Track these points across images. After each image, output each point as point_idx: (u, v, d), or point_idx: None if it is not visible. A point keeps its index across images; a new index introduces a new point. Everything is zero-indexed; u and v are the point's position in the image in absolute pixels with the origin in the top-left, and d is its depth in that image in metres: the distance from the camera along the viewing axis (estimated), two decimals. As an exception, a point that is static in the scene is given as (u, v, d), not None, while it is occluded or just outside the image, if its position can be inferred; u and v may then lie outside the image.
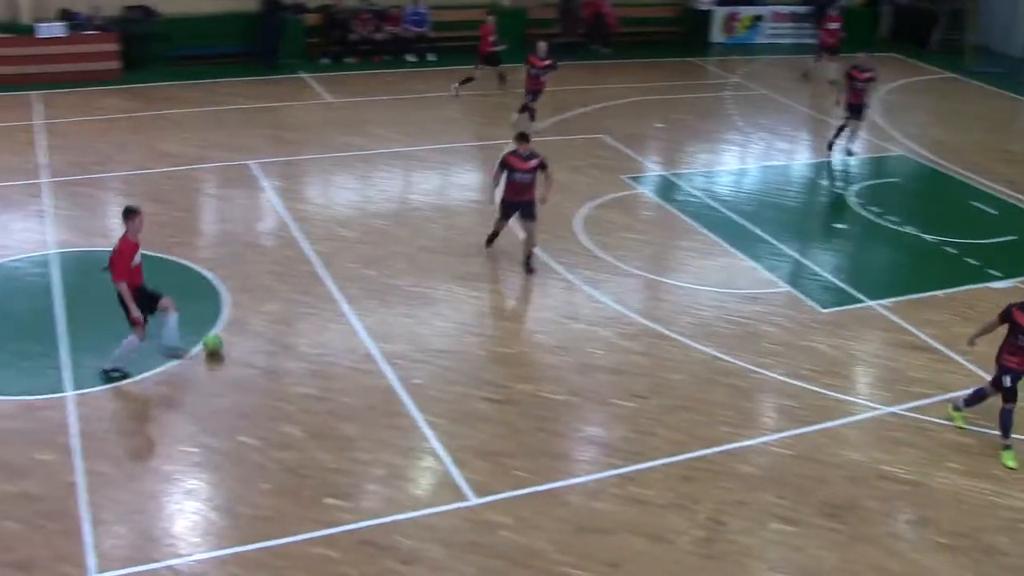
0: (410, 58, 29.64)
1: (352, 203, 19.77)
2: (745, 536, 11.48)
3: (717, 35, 34.18)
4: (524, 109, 24.04)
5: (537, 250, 17.39)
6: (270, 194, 19.74)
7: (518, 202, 16.88)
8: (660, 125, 25.05)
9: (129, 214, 13.14)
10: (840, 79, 25.61)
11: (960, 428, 13.80)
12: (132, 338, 13.29)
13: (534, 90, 23.91)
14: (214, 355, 14.08)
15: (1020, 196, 22.49)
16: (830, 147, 24.11)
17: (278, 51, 28.25)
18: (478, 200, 19.80)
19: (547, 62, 23.78)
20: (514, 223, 17.38)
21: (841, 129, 24.10)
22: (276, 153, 21.92)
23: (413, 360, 14.36)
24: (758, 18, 34.99)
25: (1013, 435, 13.28)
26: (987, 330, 13.75)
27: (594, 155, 22.72)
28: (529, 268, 17.03)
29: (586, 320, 15.85)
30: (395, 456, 12.35)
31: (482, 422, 13.14)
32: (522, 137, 16.76)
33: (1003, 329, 13.43)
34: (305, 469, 12.01)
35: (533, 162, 16.65)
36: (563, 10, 32.44)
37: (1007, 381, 13.25)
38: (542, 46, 23.92)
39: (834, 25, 30.28)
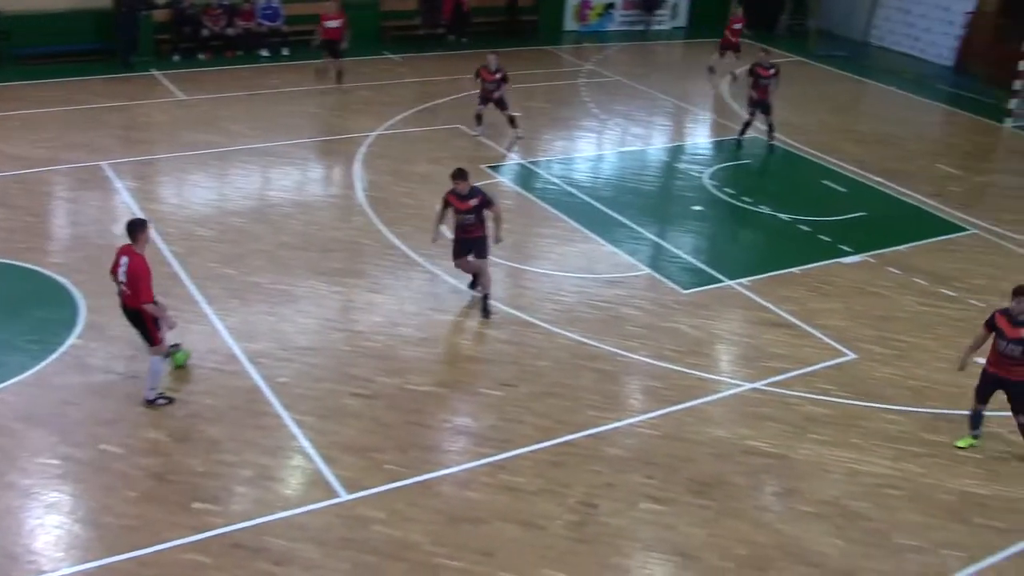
0: (264, 53, 29.20)
1: (209, 201, 19.39)
2: (616, 518, 11.61)
3: (570, 23, 34.41)
4: (482, 120, 23.77)
5: (401, 243, 17.31)
6: (124, 195, 19.26)
7: (467, 240, 15.84)
8: (517, 114, 25.11)
9: (138, 227, 12.72)
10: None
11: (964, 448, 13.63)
12: (155, 359, 12.95)
13: (487, 98, 23.49)
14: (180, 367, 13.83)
15: (868, 174, 23.19)
16: (739, 144, 24.51)
17: (134, 49, 27.56)
18: (337, 195, 19.66)
19: (498, 75, 23.25)
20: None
21: (747, 125, 24.51)
22: (129, 153, 21.40)
23: (277, 358, 14.17)
24: (610, 6, 35.34)
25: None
26: (977, 344, 13.53)
27: (453, 146, 22.72)
28: (486, 313, 15.89)
29: (452, 311, 15.85)
30: (263, 456, 12.17)
31: (351, 418, 13.04)
32: (459, 174, 15.59)
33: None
34: (171, 474, 11.76)
35: (473, 201, 15.54)
36: (425, 2, 32.29)
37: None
38: (492, 59, 23.28)
39: (738, 25, 30.63)
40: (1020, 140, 27.39)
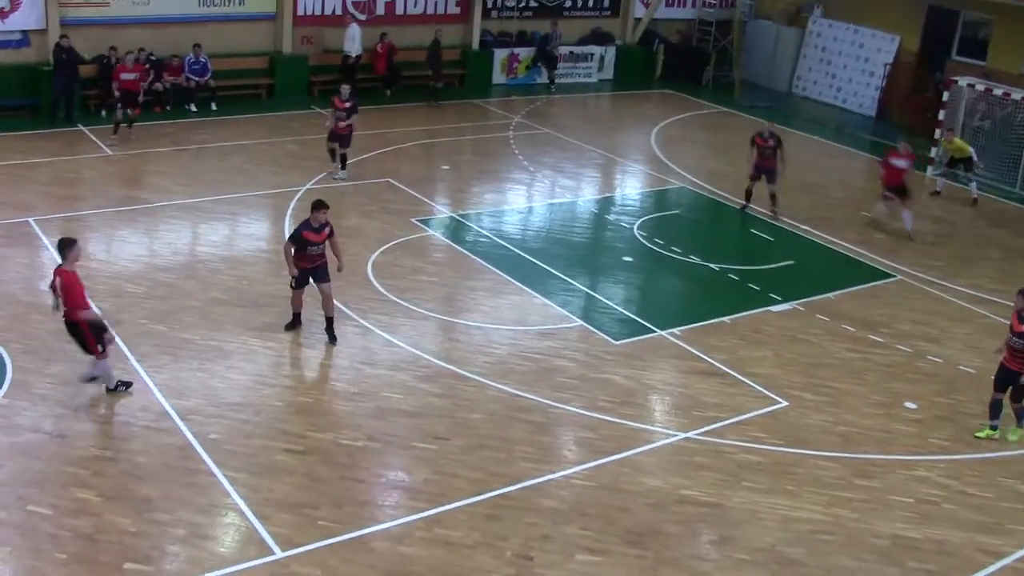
0: (192, 108, 29.05)
1: (138, 258, 19.16)
2: (553, 570, 11.57)
3: (498, 76, 34.64)
4: (336, 157, 24.01)
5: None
6: (51, 252, 18.95)
7: (312, 269, 16.14)
8: (446, 167, 25.22)
9: (66, 245, 13.93)
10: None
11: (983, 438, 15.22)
12: (102, 363, 14.15)
13: (341, 134, 23.79)
14: None
15: (795, 223, 23.51)
16: (744, 208, 24.17)
17: (72, 104, 27.26)
18: (267, 249, 19.54)
19: (348, 104, 23.61)
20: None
21: (749, 194, 24.05)
22: (56, 209, 21.10)
23: (209, 415, 14.00)
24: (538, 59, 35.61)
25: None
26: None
27: (383, 199, 22.70)
28: (332, 337, 16.29)
29: (383, 365, 15.77)
30: (195, 514, 11.99)
31: (284, 474, 12.90)
32: (319, 205, 16.00)
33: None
34: (102, 535, 11.53)
35: (325, 231, 16.02)
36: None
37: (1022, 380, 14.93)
38: (345, 88, 23.80)
39: (900, 163, 25.18)
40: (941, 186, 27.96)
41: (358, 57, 30.70)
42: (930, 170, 28.93)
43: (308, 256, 16.02)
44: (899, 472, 14.20)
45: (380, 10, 32.21)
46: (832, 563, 12.18)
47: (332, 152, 24.05)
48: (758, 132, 23.92)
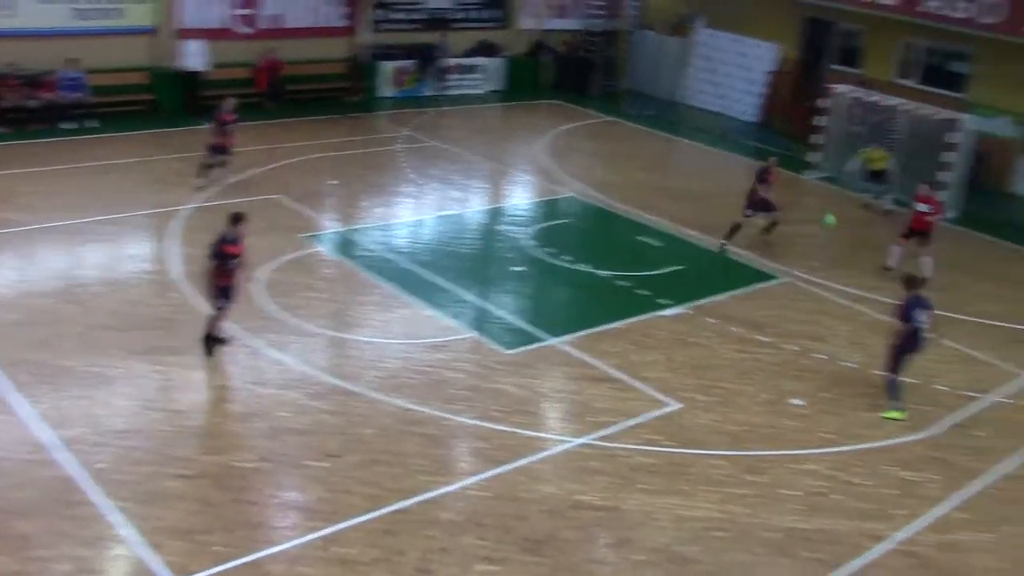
0: (67, 125, 28.29)
1: (12, 283, 18.52)
2: (450, 582, 11.51)
3: (386, 89, 34.51)
4: (210, 167, 23.83)
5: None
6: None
7: (227, 286, 15.94)
8: (334, 182, 25.01)
9: None
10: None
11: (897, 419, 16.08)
12: None
13: (223, 146, 23.72)
14: None
15: (682, 228, 23.78)
16: (722, 248, 23.15)
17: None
18: (151, 271, 19.17)
19: (233, 117, 23.62)
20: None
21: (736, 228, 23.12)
22: (-78, 237, 20.44)
23: (93, 444, 13.61)
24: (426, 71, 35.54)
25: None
26: None
27: (271, 216, 22.37)
28: (218, 344, 16.15)
29: (273, 384, 15.55)
30: (80, 548, 11.63)
31: (175, 500, 12.61)
32: (237, 218, 15.86)
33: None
34: (-22, 574, 11.18)
35: (241, 244, 15.87)
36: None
37: None
38: (230, 102, 23.77)
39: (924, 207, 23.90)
40: (822, 191, 28.56)
41: (199, 73, 30.09)
42: (810, 174, 29.53)
43: (227, 272, 15.81)
44: (788, 466, 14.44)
45: (265, 23, 31.86)
46: (727, 559, 12.34)
47: (210, 166, 23.79)
48: (763, 167, 23.42)
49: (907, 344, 16.12)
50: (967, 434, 16.05)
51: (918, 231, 22.11)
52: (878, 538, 13.07)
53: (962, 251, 24.97)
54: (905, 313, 16.04)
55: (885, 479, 14.44)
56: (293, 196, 23.66)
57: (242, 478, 13.18)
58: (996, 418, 16.66)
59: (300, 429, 14.35)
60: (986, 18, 28.76)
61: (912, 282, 16.39)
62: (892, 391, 16.28)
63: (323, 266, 20.23)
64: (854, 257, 23.24)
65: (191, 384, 15.51)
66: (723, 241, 22.74)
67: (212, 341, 16.09)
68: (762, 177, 23.09)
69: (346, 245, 21.40)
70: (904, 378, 16.38)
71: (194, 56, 29.84)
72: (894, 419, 16.13)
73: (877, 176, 27.26)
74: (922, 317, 15.98)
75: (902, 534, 13.24)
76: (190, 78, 30.01)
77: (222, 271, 15.79)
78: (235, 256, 15.82)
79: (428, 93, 35.02)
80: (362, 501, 12.82)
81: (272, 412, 14.78)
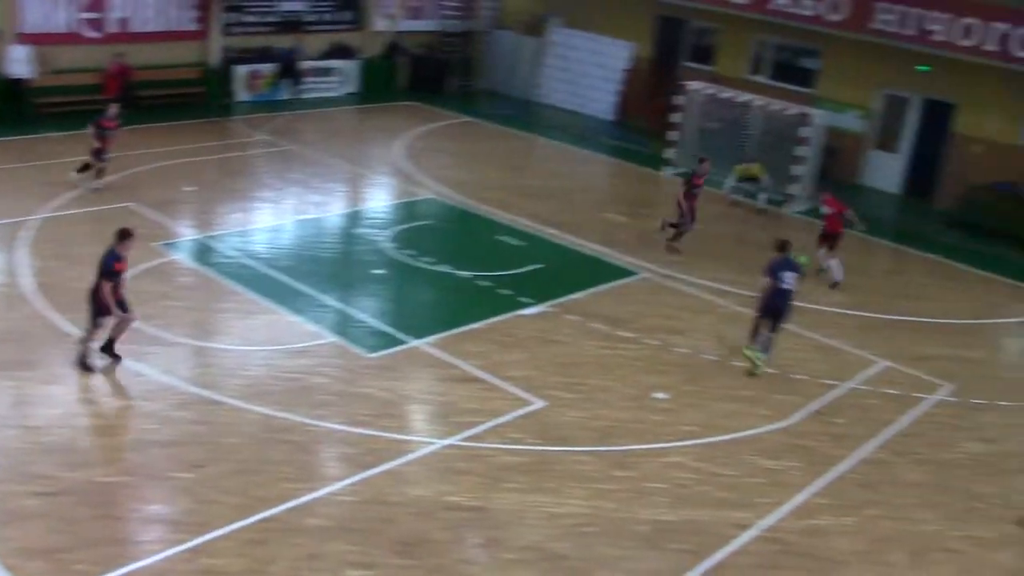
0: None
1: None
2: (321, 589, 11.44)
3: (241, 93, 34.01)
4: (88, 168, 23.66)
5: (76, 330, 16.40)
6: None
7: (120, 300, 15.77)
8: (190, 188, 24.57)
9: None
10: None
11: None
12: None
13: (101, 150, 23.67)
14: None
15: (542, 227, 23.99)
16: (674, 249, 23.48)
17: None
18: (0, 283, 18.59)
19: (116, 123, 23.91)
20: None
21: (675, 228, 23.53)
22: None
23: (-57, 465, 13.19)
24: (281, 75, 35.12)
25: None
26: None
27: (124, 223, 21.79)
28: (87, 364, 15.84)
29: (134, 396, 15.23)
30: (-72, 573, 11.27)
31: (33, 519, 12.22)
32: (124, 234, 15.68)
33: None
34: None
35: (126, 260, 15.84)
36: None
37: None
38: (114, 108, 24.01)
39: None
40: (677, 187, 29.00)
41: (23, 80, 29.19)
42: (667, 171, 30.09)
43: (118, 287, 15.64)
44: (654, 460, 14.70)
45: (113, 27, 31.07)
46: (597, 554, 12.49)
47: (101, 170, 23.73)
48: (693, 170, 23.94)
49: (772, 299, 17.40)
50: (826, 422, 16.54)
51: (832, 234, 22.75)
52: (743, 527, 13.39)
53: (814, 243, 25.65)
54: (772, 271, 17.39)
55: (749, 469, 14.80)
56: (147, 204, 23.11)
57: (105, 493, 12.86)
58: (853, 405, 17.21)
59: (164, 441, 14.07)
60: (832, 15, 29.66)
61: (783, 245, 17.80)
62: (756, 339, 17.70)
63: (180, 274, 19.85)
64: (710, 251, 23.72)
65: (48, 399, 15.04)
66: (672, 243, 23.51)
67: (110, 356, 15.86)
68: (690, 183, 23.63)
69: (204, 252, 21.02)
70: (767, 332, 17.58)
71: (19, 63, 28.89)
72: (749, 357, 17.58)
73: (752, 180, 27.95)
74: (787, 277, 17.37)
75: (766, 521, 13.58)
76: (15, 85, 29.02)
77: (116, 289, 15.53)
78: (122, 273, 15.69)
79: (284, 97, 34.61)
80: (229, 511, 12.63)
81: (134, 425, 14.50)
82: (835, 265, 22.53)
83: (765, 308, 17.57)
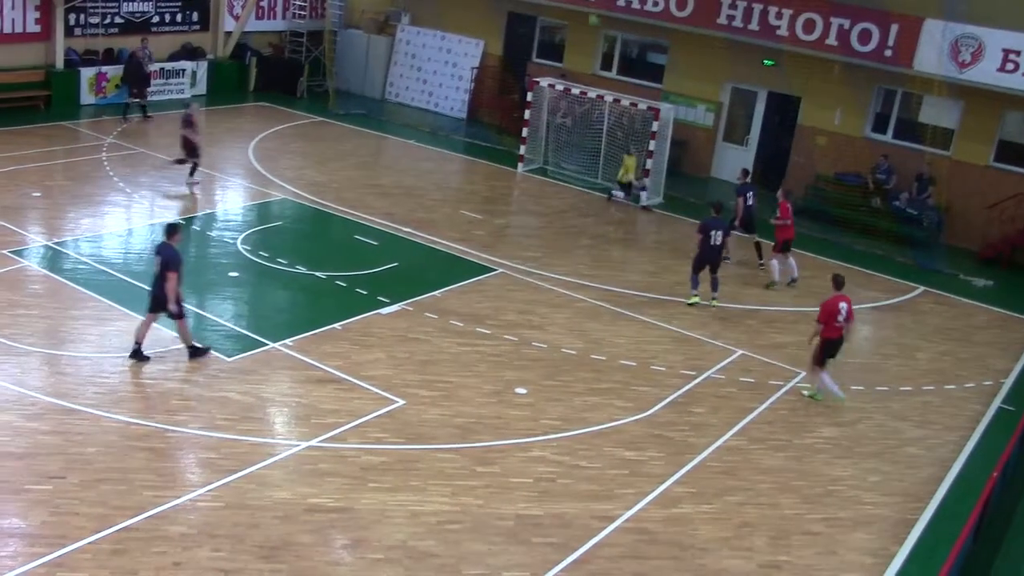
0: None
1: None
2: (186, 596, 11.35)
3: (87, 97, 33.19)
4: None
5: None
6: None
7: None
8: (37, 194, 23.95)
9: None
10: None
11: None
12: None
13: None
14: None
15: (397, 226, 24.04)
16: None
17: None
18: None
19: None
20: None
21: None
22: None
23: None
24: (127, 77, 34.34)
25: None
26: None
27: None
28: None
29: (-16, 407, 14.84)
30: None
31: None
32: (174, 229, 17.10)
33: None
34: None
35: None
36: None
37: None
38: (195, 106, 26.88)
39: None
40: (532, 183, 29.46)
41: None
42: (521, 167, 30.44)
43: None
44: (516, 455, 14.92)
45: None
46: (463, 550, 12.65)
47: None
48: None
49: (704, 253, 21.04)
50: (685, 411, 17.00)
51: (785, 240, 23.33)
52: (607, 518, 13.70)
53: (668, 235, 26.29)
54: (703, 229, 21.01)
55: (610, 460, 15.13)
56: (-9, 210, 22.50)
57: (-44, 509, 12.56)
58: (711, 394, 17.70)
59: (18, 452, 13.74)
60: (679, 11, 30.32)
61: (717, 207, 21.77)
62: (694, 284, 21.35)
63: (30, 282, 19.35)
64: (565, 246, 24.09)
65: None
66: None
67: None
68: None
69: (54, 259, 20.51)
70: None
71: None
72: (693, 304, 21.11)
73: (628, 186, 28.43)
74: (716, 234, 20.92)
75: (630, 511, 13.91)
76: None
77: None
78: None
79: (131, 99, 33.89)
80: (88, 522, 12.43)
81: (-15, 437, 14.11)
82: (776, 265, 23.30)
83: (699, 262, 21.19)
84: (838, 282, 17.90)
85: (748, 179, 24.75)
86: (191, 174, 25.71)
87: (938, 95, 27.91)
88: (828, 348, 17.73)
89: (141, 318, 17.04)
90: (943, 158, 28.65)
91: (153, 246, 17.79)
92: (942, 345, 21.34)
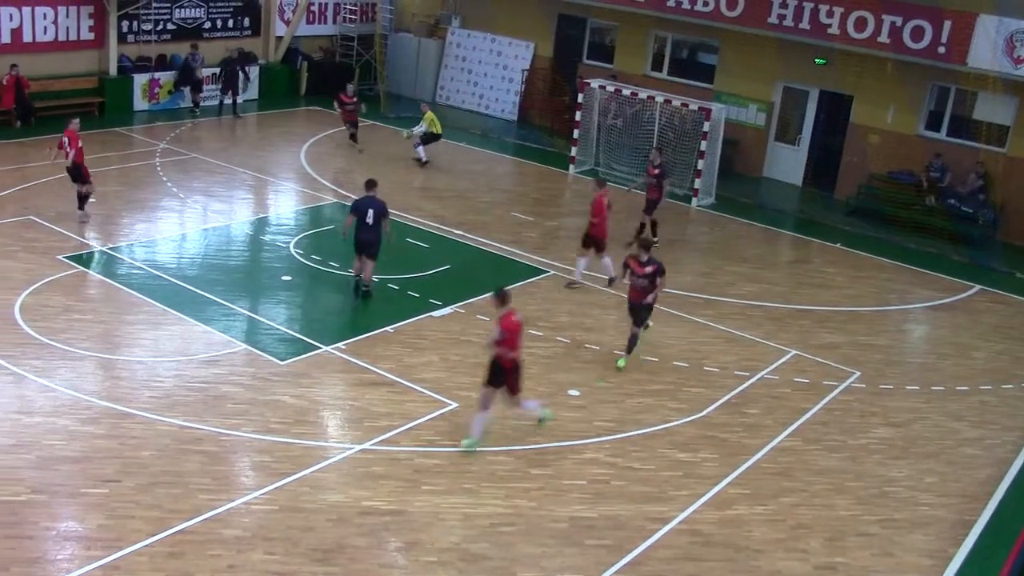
0: None
1: None
2: (241, 599, 11.38)
3: (140, 103, 33.52)
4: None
5: None
6: None
7: None
8: (92, 199, 24.17)
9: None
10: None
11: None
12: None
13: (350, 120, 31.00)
14: None
15: (448, 229, 24.03)
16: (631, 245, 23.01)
17: None
18: None
19: (355, 98, 30.82)
20: None
21: (643, 227, 24.32)
22: None
23: None
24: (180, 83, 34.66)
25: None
26: None
27: (24, 238, 21.42)
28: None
29: (41, 412, 14.93)
30: None
31: (-63, 542, 12.02)
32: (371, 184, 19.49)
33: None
34: None
35: None
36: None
37: None
38: (350, 87, 31.14)
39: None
40: (584, 184, 29.28)
41: None
42: (572, 169, 30.39)
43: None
44: (570, 457, 14.84)
45: (6, 38, 30.46)
46: (516, 552, 12.58)
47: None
48: (649, 159, 24.78)
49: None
50: (739, 412, 16.85)
51: (597, 239, 21.48)
52: (661, 520, 13.59)
53: (719, 235, 26.10)
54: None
55: (664, 462, 15.01)
56: (48, 216, 22.70)
57: (13, 513, 12.62)
58: (764, 395, 17.53)
59: (74, 456, 13.85)
60: (729, 10, 30.13)
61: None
62: None
63: (86, 287, 19.56)
64: (618, 250, 23.90)
65: (-49, 419, 14.75)
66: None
67: None
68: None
69: (109, 264, 20.72)
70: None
71: None
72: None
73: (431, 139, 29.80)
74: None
75: (684, 513, 13.79)
76: None
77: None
78: None
79: (184, 104, 34.21)
80: (144, 525, 12.50)
81: (41, 441, 14.20)
82: (583, 265, 21.67)
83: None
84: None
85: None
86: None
87: (993, 91, 27.51)
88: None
89: (195, 321, 17.11)
90: (998, 155, 28.22)
91: (359, 200, 19.72)
92: (999, 344, 21.01)
